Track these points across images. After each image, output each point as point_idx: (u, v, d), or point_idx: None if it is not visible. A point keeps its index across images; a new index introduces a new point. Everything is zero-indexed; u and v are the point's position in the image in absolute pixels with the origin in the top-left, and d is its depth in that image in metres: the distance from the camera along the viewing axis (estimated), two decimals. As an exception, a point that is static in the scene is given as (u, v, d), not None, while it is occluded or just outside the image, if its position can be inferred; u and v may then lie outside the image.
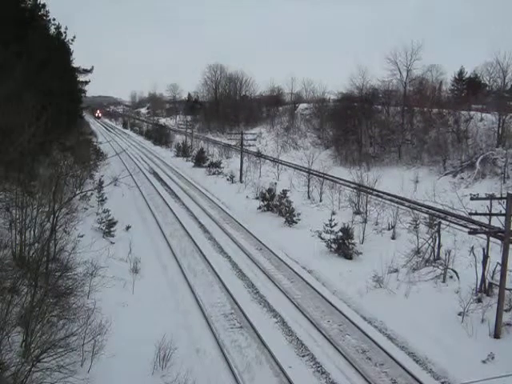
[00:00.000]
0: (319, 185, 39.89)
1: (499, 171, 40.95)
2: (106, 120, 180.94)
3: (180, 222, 32.82)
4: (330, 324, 18.43)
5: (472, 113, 52.97)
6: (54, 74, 33.92)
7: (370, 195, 34.66)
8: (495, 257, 19.67)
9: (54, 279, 15.97)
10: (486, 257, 19.74)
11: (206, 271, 23.84)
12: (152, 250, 26.74)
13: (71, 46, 48.51)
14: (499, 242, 20.35)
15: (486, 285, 19.65)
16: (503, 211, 17.19)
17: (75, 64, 52.93)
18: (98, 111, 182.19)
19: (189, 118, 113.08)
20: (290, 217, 32.33)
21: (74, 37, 47.81)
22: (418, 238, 24.70)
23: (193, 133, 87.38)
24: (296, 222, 32.07)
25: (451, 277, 21.47)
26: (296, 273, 23.72)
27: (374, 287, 21.42)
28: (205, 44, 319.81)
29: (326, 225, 26.59)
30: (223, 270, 23.77)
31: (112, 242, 26.34)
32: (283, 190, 35.64)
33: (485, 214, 21.43)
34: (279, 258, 25.83)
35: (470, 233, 19.72)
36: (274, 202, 35.74)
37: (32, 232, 19.34)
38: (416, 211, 30.94)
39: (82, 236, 24.35)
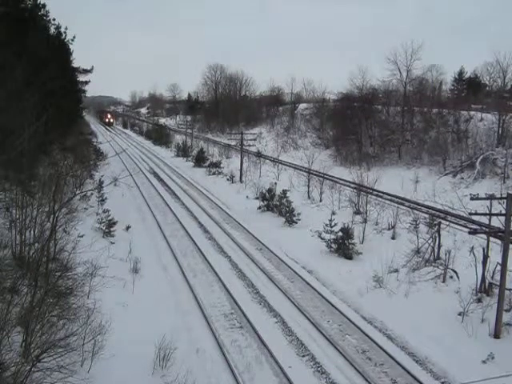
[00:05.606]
0: (319, 185, 39.88)
1: (499, 171, 40.96)
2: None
3: (180, 222, 32.81)
4: (329, 324, 18.42)
5: (472, 113, 52.99)
6: (54, 74, 33.86)
7: (370, 195, 34.65)
8: (495, 257, 19.69)
9: (53, 279, 15.94)
10: (485, 257, 19.74)
11: (206, 271, 23.84)
12: (152, 249, 26.72)
13: (71, 46, 48.56)
14: (499, 241, 20.38)
15: (486, 285, 19.66)
16: (503, 211, 17.19)
17: (75, 64, 53.02)
18: (110, 116, 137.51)
19: (189, 117, 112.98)
20: (289, 217, 32.33)
21: (74, 37, 47.82)
22: (418, 238, 24.70)
23: (193, 133, 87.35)
24: (296, 222, 32.07)
25: (451, 277, 21.48)
26: (296, 273, 23.71)
27: (373, 287, 21.42)
28: (205, 44, 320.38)
29: (326, 225, 26.59)
30: (223, 270, 23.75)
31: (112, 242, 26.33)
32: (283, 190, 35.62)
33: (485, 214, 21.41)
34: (279, 258, 25.83)
35: (470, 233, 19.73)
36: (273, 202, 35.74)
37: (32, 232, 19.34)
38: (416, 211, 30.98)
39: (82, 236, 24.34)
